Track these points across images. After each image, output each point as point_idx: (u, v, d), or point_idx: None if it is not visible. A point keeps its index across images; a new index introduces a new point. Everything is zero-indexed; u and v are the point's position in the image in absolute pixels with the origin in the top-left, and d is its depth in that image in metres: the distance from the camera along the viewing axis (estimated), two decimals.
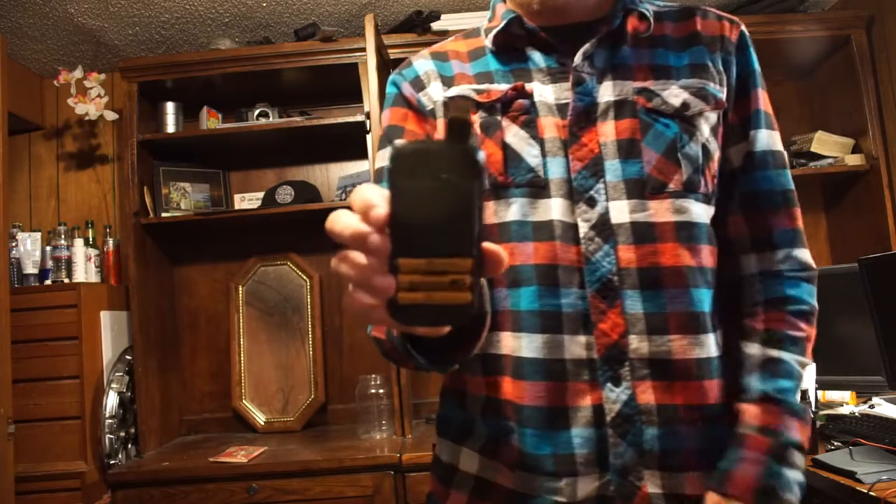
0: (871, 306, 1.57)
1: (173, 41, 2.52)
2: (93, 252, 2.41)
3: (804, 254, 0.86)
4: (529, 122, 0.82)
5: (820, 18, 2.40)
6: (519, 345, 0.78)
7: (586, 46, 0.82)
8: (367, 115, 2.24)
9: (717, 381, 0.79)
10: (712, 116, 0.84)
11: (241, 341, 2.55)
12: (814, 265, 0.86)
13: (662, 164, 0.80)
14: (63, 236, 2.35)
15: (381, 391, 2.25)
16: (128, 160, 2.34)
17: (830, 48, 2.49)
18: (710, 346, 0.79)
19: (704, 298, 0.80)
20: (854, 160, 2.39)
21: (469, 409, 0.85)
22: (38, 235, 2.38)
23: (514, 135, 0.81)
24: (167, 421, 2.43)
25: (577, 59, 0.82)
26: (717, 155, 0.85)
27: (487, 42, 0.89)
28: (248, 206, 2.59)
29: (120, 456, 2.15)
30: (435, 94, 0.88)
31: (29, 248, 2.34)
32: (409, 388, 2.21)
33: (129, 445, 2.22)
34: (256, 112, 2.47)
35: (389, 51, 2.27)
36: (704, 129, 0.83)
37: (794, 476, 0.76)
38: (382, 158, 0.90)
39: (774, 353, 0.81)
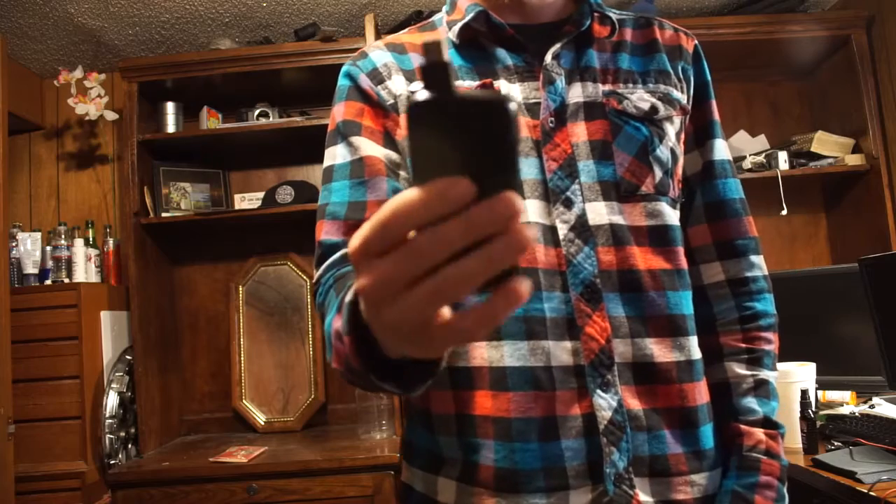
0: (871, 306, 1.57)
1: (173, 41, 2.52)
2: (93, 252, 2.40)
3: (762, 260, 0.89)
4: None
5: (820, 18, 2.40)
6: (500, 354, 0.74)
7: (556, 46, 0.81)
8: None
9: (697, 383, 0.80)
10: (677, 121, 0.85)
11: (241, 341, 2.55)
12: (766, 271, 0.90)
13: (635, 167, 0.80)
14: (63, 236, 2.35)
15: None
16: (128, 160, 2.34)
17: (830, 48, 2.50)
18: (691, 348, 0.80)
19: (684, 301, 0.80)
20: (854, 160, 2.39)
21: (437, 432, 0.80)
22: (38, 235, 2.38)
23: None
24: (167, 421, 2.43)
25: (548, 58, 0.81)
26: (681, 160, 0.87)
27: (451, 35, 0.85)
28: (248, 206, 2.59)
29: (120, 456, 2.15)
30: (397, 87, 0.83)
31: (29, 248, 2.34)
32: None
33: (129, 445, 2.22)
34: (256, 112, 2.47)
35: None
36: (671, 133, 0.84)
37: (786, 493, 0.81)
38: (332, 156, 0.83)
39: (761, 374, 0.85)
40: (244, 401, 2.52)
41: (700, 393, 0.80)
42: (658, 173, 0.80)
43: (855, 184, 2.48)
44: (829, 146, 2.42)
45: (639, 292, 0.77)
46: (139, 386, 2.24)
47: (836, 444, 1.54)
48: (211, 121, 2.49)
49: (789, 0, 2.41)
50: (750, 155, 2.42)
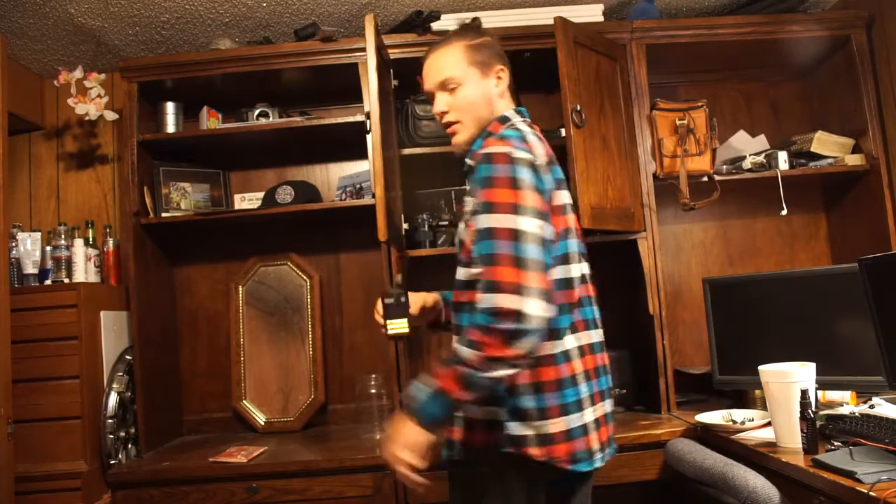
0: (871, 306, 1.57)
1: (173, 41, 2.52)
2: (93, 252, 2.40)
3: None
4: None
5: (820, 18, 2.40)
6: None
7: None
8: (367, 115, 2.24)
9: None
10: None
11: (241, 341, 2.55)
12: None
13: None
14: (63, 236, 2.35)
15: (381, 391, 2.25)
16: (128, 160, 2.34)
17: (830, 48, 2.50)
18: None
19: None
20: (854, 160, 2.39)
21: None
22: (38, 235, 2.38)
23: None
24: (167, 421, 2.43)
25: None
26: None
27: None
28: (248, 206, 2.59)
29: (120, 456, 2.15)
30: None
31: (29, 248, 2.34)
32: None
33: (129, 445, 2.22)
34: (256, 112, 2.46)
35: (389, 51, 2.27)
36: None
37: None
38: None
39: None
40: (244, 401, 2.52)
41: None
42: None
43: (855, 184, 2.48)
44: (829, 146, 2.42)
45: None
46: (139, 386, 2.24)
47: (836, 444, 1.53)
48: (211, 121, 2.49)
49: (789, 0, 2.41)
50: (750, 155, 2.42)
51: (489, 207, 1.26)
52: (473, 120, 1.46)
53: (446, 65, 1.46)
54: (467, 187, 1.45)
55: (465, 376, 1.20)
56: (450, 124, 1.48)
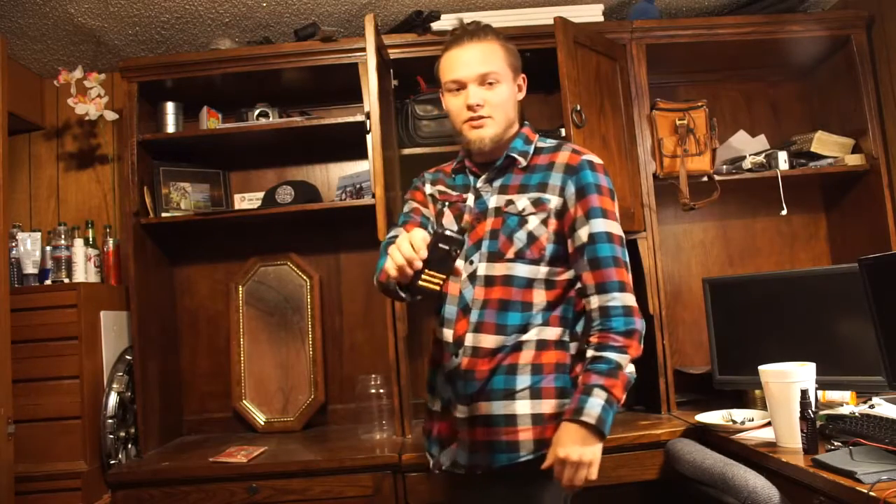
0: (871, 306, 1.57)
1: (173, 41, 2.52)
2: (93, 252, 2.40)
3: None
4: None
5: (820, 18, 2.40)
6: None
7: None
8: (367, 115, 2.24)
9: None
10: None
11: (241, 341, 2.55)
12: None
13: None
14: (63, 236, 2.35)
15: (381, 391, 2.25)
16: (128, 160, 2.34)
17: (830, 48, 2.50)
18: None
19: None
20: (854, 160, 2.39)
21: None
22: (38, 235, 2.38)
23: None
24: (167, 421, 2.43)
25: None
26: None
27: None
28: (248, 206, 2.59)
29: (120, 456, 2.15)
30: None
31: (29, 248, 2.34)
32: (409, 388, 2.21)
33: (129, 445, 2.22)
34: (256, 112, 2.46)
35: (389, 51, 2.27)
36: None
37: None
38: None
39: None
40: (244, 401, 2.52)
41: None
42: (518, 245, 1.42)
43: (855, 184, 2.48)
44: (829, 146, 2.42)
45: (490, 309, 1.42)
46: (139, 386, 2.24)
47: (836, 444, 1.53)
48: (211, 121, 2.49)
49: (789, 0, 2.41)
50: (750, 155, 2.42)
51: (604, 213, 1.39)
52: (504, 119, 1.47)
53: (490, 59, 1.45)
54: (513, 182, 1.47)
55: (628, 381, 1.33)
56: (479, 118, 1.44)
